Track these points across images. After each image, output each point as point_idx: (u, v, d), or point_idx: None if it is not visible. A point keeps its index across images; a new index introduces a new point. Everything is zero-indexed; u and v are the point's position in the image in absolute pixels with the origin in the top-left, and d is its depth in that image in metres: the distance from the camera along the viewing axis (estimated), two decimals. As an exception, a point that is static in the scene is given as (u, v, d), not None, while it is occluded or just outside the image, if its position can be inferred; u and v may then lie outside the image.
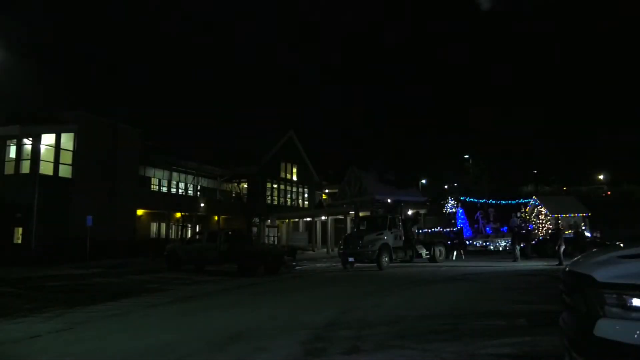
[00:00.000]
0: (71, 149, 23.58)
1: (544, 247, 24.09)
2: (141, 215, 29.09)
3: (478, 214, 28.64)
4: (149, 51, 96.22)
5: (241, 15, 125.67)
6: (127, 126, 26.64)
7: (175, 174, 33.47)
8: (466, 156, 52.07)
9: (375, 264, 18.26)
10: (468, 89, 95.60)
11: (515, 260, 20.83)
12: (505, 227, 26.83)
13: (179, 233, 31.95)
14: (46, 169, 22.47)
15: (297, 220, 40.43)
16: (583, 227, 25.57)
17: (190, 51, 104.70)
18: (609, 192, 44.37)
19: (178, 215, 31.66)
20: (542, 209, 26.75)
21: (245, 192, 39.20)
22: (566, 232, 23.19)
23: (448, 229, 27.46)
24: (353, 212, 32.43)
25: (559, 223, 23.86)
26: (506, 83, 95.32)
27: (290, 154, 42.87)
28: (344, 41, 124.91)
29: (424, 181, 55.50)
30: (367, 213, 29.45)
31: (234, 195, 39.71)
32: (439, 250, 22.23)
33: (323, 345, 5.66)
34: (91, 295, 11.43)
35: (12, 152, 22.88)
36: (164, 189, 32.59)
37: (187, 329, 7.09)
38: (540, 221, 26.49)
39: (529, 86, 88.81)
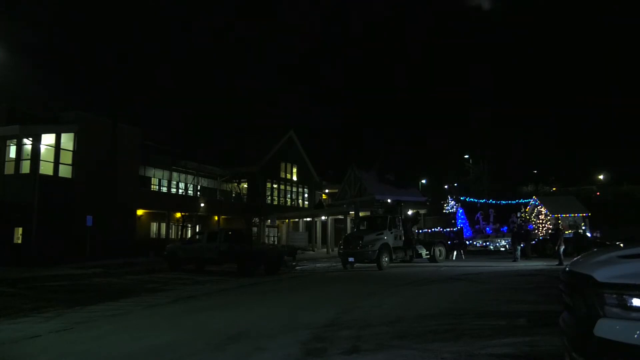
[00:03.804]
0: (71, 149, 23.58)
1: (544, 247, 24.13)
2: (141, 215, 29.09)
3: (478, 214, 28.69)
4: (149, 51, 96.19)
5: (241, 15, 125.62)
6: (127, 126, 26.62)
7: (175, 174, 33.47)
8: (466, 156, 52.09)
9: (375, 264, 18.26)
10: (468, 89, 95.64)
11: (515, 260, 20.86)
12: (505, 227, 26.88)
13: (179, 233, 31.94)
14: (46, 169, 22.46)
15: (297, 220, 40.42)
16: (583, 227, 25.61)
17: (190, 51, 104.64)
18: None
19: (178, 215, 31.66)
20: (542, 209, 26.78)
21: (245, 192, 39.20)
22: (566, 232, 23.23)
23: (448, 229, 27.48)
24: (353, 212, 32.43)
25: (559, 223, 23.87)
26: (507, 83, 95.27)
27: (290, 154, 42.88)
28: (344, 41, 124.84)
29: (424, 181, 55.54)
30: (367, 213, 29.46)
31: (234, 195, 39.72)
32: (439, 250, 22.23)
33: (323, 345, 5.67)
34: (91, 295, 11.44)
35: (12, 152, 22.86)
36: (164, 189, 32.59)
37: (187, 329, 7.09)
38: (540, 221, 26.52)
39: (529, 86, 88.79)
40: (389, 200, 33.43)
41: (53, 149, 22.86)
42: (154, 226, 31.06)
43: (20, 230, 21.94)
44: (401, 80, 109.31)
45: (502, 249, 26.49)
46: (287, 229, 40.13)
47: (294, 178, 43.95)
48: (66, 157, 23.34)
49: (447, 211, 30.13)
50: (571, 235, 23.56)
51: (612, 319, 2.75)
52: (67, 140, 23.52)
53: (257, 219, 37.22)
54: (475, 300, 9.30)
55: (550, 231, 23.73)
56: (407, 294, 10.83)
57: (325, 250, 34.49)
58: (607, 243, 22.10)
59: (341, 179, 46.76)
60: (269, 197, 40.43)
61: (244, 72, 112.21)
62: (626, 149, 59.01)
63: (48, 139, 22.87)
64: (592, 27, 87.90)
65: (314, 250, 35.23)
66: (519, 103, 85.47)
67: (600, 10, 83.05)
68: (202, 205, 32.43)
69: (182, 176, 34.40)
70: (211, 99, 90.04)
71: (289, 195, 43.43)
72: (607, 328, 2.74)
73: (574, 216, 26.21)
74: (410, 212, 27.74)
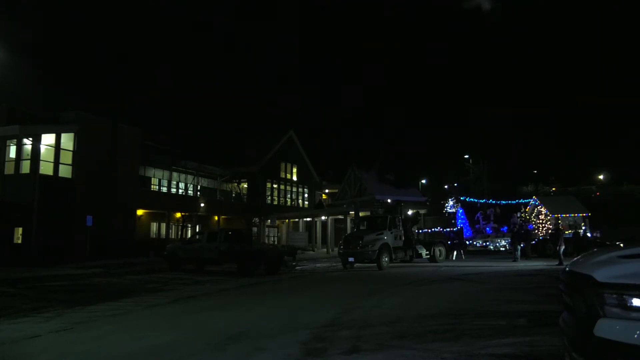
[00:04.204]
0: (71, 149, 23.57)
1: (544, 247, 24.12)
2: (141, 215, 29.08)
3: (478, 214, 28.68)
4: (149, 51, 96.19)
5: (241, 15, 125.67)
6: (127, 126, 26.64)
7: (175, 174, 33.46)
8: (466, 156, 52.13)
9: (375, 264, 18.26)
10: (468, 89, 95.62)
11: (515, 260, 20.85)
12: (505, 227, 26.87)
13: (179, 233, 31.94)
14: (46, 169, 22.45)
15: (297, 220, 40.42)
16: (583, 227, 25.61)
17: (190, 51, 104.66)
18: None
19: (178, 215, 31.66)
20: (542, 209, 26.78)
21: (245, 192, 39.20)
22: (566, 232, 23.23)
23: (448, 229, 27.48)
24: (353, 212, 32.42)
25: (559, 223, 23.87)
26: (507, 82, 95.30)
27: (290, 154, 42.87)
28: (344, 41, 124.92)
29: (424, 181, 55.54)
30: (367, 213, 29.46)
31: (234, 195, 39.72)
32: (439, 250, 22.22)
33: (323, 345, 5.66)
34: (91, 295, 11.44)
35: (12, 152, 22.85)
36: (164, 189, 32.58)
37: (187, 329, 7.09)
38: (540, 221, 26.52)
39: (529, 86, 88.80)
40: (389, 200, 33.42)
41: (53, 149, 22.85)
42: (154, 226, 31.05)
43: (20, 230, 21.94)
44: (401, 80, 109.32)
45: (502, 249, 26.48)
46: (287, 229, 40.12)
47: (294, 178, 43.94)
48: (66, 157, 23.33)
49: (447, 211, 30.13)
50: (571, 235, 23.55)
51: (612, 319, 2.75)
52: (67, 140, 23.52)
53: (257, 219, 37.22)
54: (475, 300, 9.30)
55: (550, 231, 23.74)
56: (407, 294, 10.83)
57: (325, 250, 34.48)
58: (607, 243, 22.10)
59: (341, 179, 46.78)
60: (269, 197, 40.41)
61: (245, 72, 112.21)
62: (626, 149, 59.05)
63: (48, 139, 22.86)
64: (592, 27, 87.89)
65: (314, 250, 35.22)
66: (519, 103, 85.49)
67: (601, 9, 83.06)
68: (202, 205, 32.42)
69: (182, 176, 34.40)
70: (211, 99, 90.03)
71: (289, 195, 43.41)
72: (607, 328, 2.73)
73: (574, 216, 26.21)
74: (410, 212, 27.74)
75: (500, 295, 9.80)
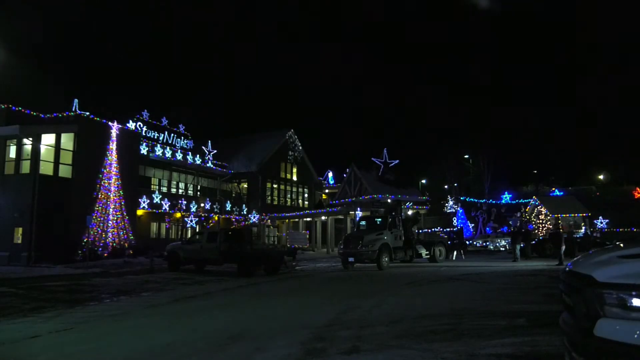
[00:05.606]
0: (71, 149, 23.54)
1: (544, 247, 24.15)
2: (141, 215, 29.06)
3: (478, 213, 28.73)
4: (149, 50, 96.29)
5: (241, 15, 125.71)
6: (127, 126, 26.54)
7: (175, 174, 33.47)
8: (466, 156, 52.12)
9: (375, 264, 18.26)
10: (468, 89, 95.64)
11: (515, 260, 20.86)
12: (505, 227, 26.92)
13: (179, 233, 31.90)
14: (46, 169, 22.43)
15: (297, 220, 40.45)
16: (583, 227, 25.64)
17: (190, 51, 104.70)
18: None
19: (178, 215, 31.64)
20: (542, 209, 26.81)
21: (245, 192, 39.20)
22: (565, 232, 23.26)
23: (448, 229, 27.52)
24: (353, 212, 32.41)
25: (559, 223, 23.88)
26: (507, 83, 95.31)
27: (290, 154, 42.85)
28: (345, 42, 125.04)
29: (424, 181, 55.52)
30: (367, 213, 29.45)
31: (234, 195, 39.74)
32: (439, 250, 22.22)
33: (323, 345, 5.66)
34: (91, 295, 11.45)
35: (12, 152, 22.83)
36: (164, 189, 32.58)
37: (187, 329, 7.09)
38: (540, 221, 26.54)
39: (529, 86, 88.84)
40: (389, 200, 33.43)
41: (53, 149, 22.82)
42: (154, 226, 31.03)
43: (20, 230, 21.91)
44: (401, 79, 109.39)
45: (502, 249, 26.53)
46: (287, 229, 40.14)
47: (294, 178, 43.95)
48: (66, 157, 23.29)
49: (447, 211, 30.19)
50: (566, 235, 23.56)
51: (612, 319, 2.75)
52: (67, 140, 23.48)
53: (257, 219, 37.23)
54: (476, 300, 9.30)
55: (550, 231, 23.75)
56: (407, 294, 10.83)
57: (325, 250, 34.50)
58: (607, 243, 22.11)
59: (341, 179, 46.78)
60: (269, 197, 40.42)
61: (245, 72, 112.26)
62: (626, 149, 59.04)
63: (48, 139, 22.83)
64: (592, 26, 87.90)
65: (314, 250, 35.23)
66: (519, 102, 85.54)
67: (599, 10, 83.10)
68: (202, 205, 32.40)
69: (182, 176, 34.40)
70: (211, 98, 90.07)
71: (289, 195, 43.42)
72: (607, 328, 2.73)
73: (574, 216, 26.23)
74: (410, 212, 27.76)
75: (500, 295, 9.80)
